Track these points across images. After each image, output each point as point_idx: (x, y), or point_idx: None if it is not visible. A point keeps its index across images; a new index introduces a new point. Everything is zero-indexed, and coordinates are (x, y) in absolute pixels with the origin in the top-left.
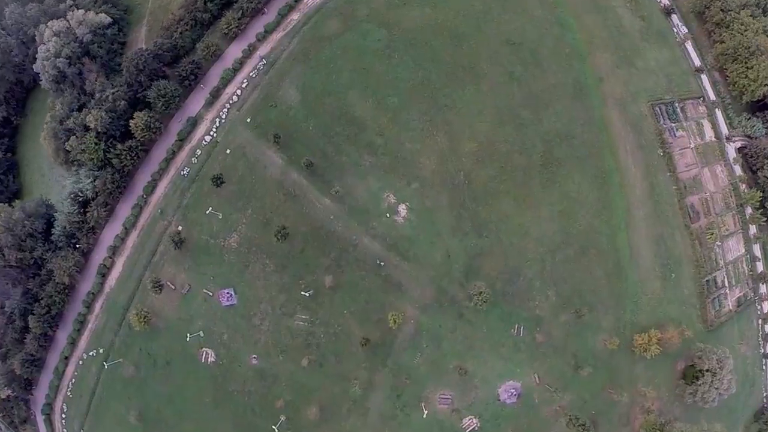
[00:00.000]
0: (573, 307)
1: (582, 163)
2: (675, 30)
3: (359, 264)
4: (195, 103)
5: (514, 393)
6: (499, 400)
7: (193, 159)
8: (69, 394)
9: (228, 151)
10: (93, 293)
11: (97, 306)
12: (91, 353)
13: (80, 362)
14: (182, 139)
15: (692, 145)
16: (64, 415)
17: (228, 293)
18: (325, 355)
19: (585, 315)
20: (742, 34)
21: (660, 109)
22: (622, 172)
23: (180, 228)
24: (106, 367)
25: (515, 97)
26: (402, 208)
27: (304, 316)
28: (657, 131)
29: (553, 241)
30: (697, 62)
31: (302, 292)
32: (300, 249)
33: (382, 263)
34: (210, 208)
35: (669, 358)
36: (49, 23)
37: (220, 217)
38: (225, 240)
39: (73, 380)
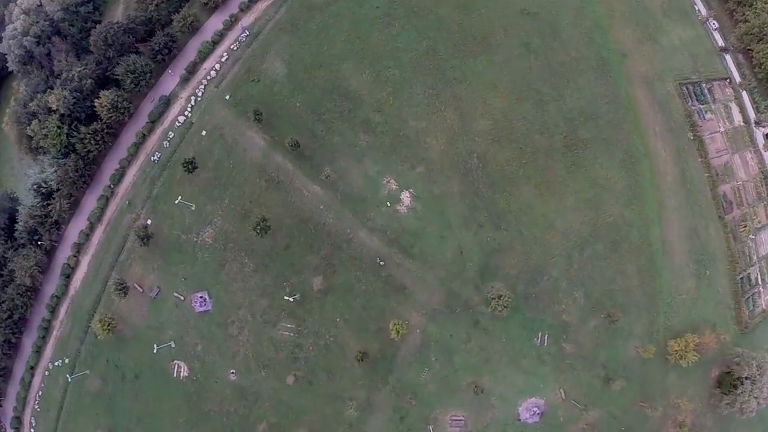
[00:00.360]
0: (604, 311)
1: (609, 145)
2: (696, 8)
3: (355, 263)
4: (170, 81)
5: (537, 411)
6: (520, 420)
7: (164, 143)
8: (36, 407)
9: (204, 133)
10: (57, 296)
11: (62, 311)
12: (57, 363)
13: (46, 373)
14: (153, 121)
15: (722, 130)
16: (33, 431)
17: (201, 297)
18: (315, 371)
19: (619, 320)
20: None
21: (688, 90)
22: (651, 156)
23: (149, 221)
24: (69, 380)
25: (533, 71)
26: (405, 196)
27: (289, 325)
28: (686, 113)
29: (581, 235)
30: (721, 42)
31: (286, 297)
32: (284, 245)
33: (381, 262)
34: (179, 197)
35: (702, 365)
36: (18, 0)
37: (193, 208)
38: (198, 235)
39: (40, 392)
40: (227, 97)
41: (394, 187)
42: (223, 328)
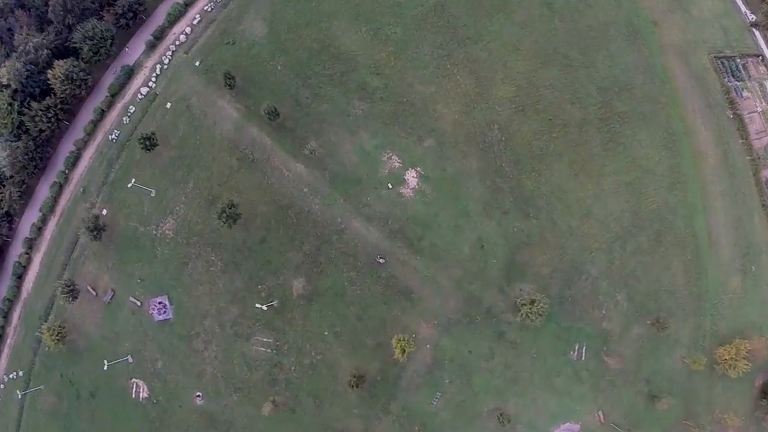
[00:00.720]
0: (649, 316)
1: (647, 120)
2: None
3: (347, 260)
4: (136, 50)
5: None
6: None
7: (124, 119)
8: None
9: (168, 105)
10: (9, 299)
11: (15, 316)
12: (11, 375)
13: (1, 386)
14: (114, 95)
15: (759, 109)
16: None
17: (160, 303)
18: (299, 397)
19: (670, 326)
20: None
21: (723, 64)
22: (691, 135)
23: (104, 211)
24: (19, 396)
25: (558, 33)
26: (411, 176)
27: (265, 339)
28: (723, 89)
29: (622, 225)
30: (751, 17)
31: (258, 305)
32: (259, 239)
33: (381, 259)
34: (133, 181)
35: (747, 374)
36: None
37: (153, 194)
38: (158, 227)
39: None
40: (197, 63)
41: (396, 164)
42: (186, 342)
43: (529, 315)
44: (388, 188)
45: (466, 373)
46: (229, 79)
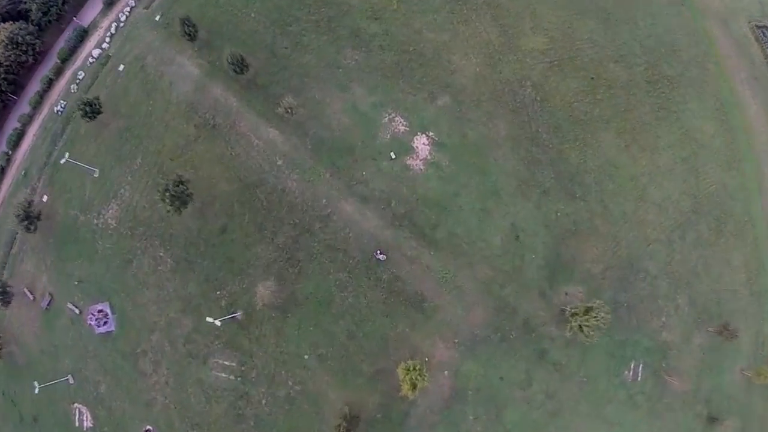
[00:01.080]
0: (711, 322)
1: (697, 88)
2: None
3: (334, 257)
4: (93, 10)
5: None
6: None
7: (72, 86)
8: None
9: (121, 68)
10: None
11: None
12: None
13: None
14: (65, 60)
15: None
16: None
17: (101, 312)
18: None
19: (739, 334)
20: None
21: (764, 34)
22: (741, 108)
23: (45, 197)
24: None
25: None
26: (421, 143)
27: (226, 362)
28: (767, 60)
29: (680, 210)
30: None
31: (209, 319)
32: (218, 228)
33: (382, 255)
34: (66, 156)
35: None
36: None
37: (96, 174)
38: (100, 214)
39: None
40: (157, 17)
41: (401, 128)
42: (131, 361)
43: (584, 328)
44: (391, 159)
45: (497, 407)
46: (188, 27)
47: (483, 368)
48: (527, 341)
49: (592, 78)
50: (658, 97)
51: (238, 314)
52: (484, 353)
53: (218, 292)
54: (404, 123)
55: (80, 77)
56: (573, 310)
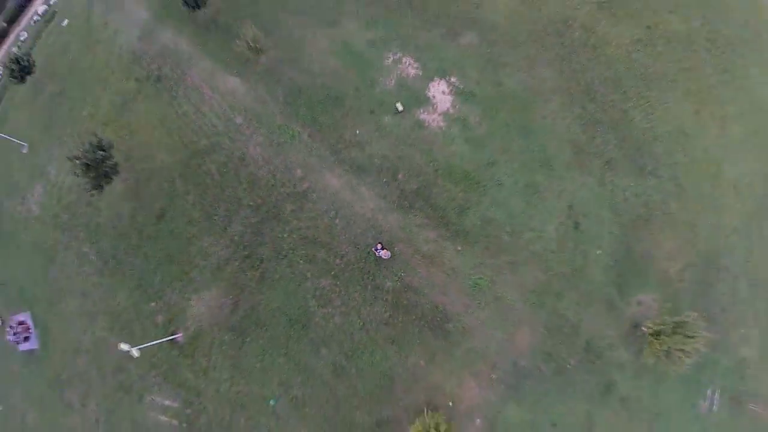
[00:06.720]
0: None
1: (755, 52)
2: None
3: (313, 253)
4: None
5: None
6: None
7: (13, 49)
8: None
9: (65, 23)
10: None
11: None
12: None
13: None
14: (11, 22)
15: None
16: None
17: (22, 325)
18: None
19: None
20: None
21: None
22: None
23: None
24: None
25: None
26: (440, 91)
27: (167, 401)
28: None
29: (756, 193)
30: None
31: (122, 346)
32: (155, 213)
33: (384, 251)
34: None
35: None
36: None
37: (26, 150)
38: (24, 199)
39: None
40: None
41: (412, 70)
42: (57, 391)
43: (672, 352)
44: (397, 112)
45: None
46: None
47: (530, 413)
48: (590, 371)
49: (648, 27)
50: (720, 57)
51: (179, 335)
52: (531, 392)
53: (153, 304)
54: (415, 65)
55: (22, 39)
56: (655, 327)
